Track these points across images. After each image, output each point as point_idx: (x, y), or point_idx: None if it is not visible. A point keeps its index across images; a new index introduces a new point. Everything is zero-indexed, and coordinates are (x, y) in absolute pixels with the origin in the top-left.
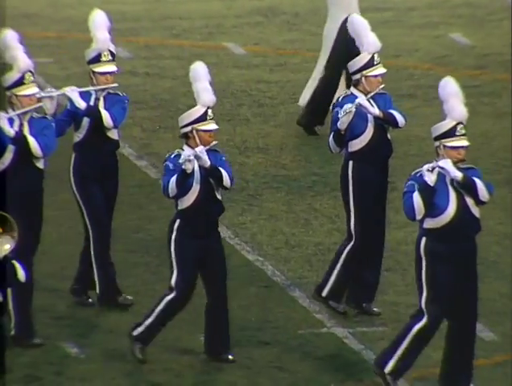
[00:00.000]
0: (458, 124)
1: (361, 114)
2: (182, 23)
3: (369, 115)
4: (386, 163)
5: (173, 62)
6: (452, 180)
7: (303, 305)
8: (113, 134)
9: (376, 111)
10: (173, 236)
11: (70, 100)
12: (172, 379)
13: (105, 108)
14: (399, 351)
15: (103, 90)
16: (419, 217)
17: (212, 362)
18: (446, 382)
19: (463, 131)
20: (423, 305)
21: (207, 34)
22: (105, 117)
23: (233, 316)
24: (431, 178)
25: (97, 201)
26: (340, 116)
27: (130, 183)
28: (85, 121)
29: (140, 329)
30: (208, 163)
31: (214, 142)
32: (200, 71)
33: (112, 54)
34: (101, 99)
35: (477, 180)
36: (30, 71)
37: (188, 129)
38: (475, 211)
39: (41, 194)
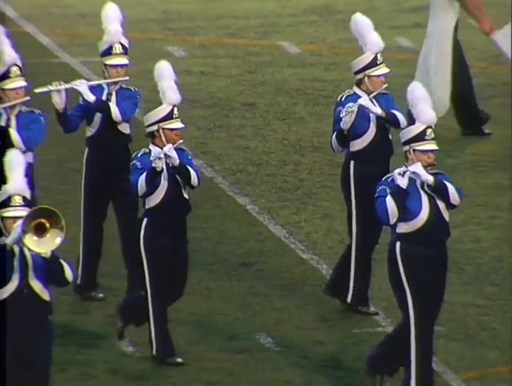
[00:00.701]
0: (427, 128)
1: (363, 114)
2: (237, 22)
3: (371, 115)
4: (387, 163)
5: (228, 61)
6: (423, 184)
7: None
8: (125, 129)
9: (378, 110)
10: (141, 235)
11: (81, 94)
12: (226, 378)
13: (116, 103)
14: (413, 370)
15: (115, 84)
16: (392, 221)
17: (268, 361)
18: None
19: (432, 135)
20: (410, 312)
21: (262, 33)
22: (114, 110)
23: (288, 315)
24: (403, 182)
25: (99, 207)
26: (342, 115)
27: None
28: (97, 115)
29: (154, 345)
30: (177, 161)
31: (180, 141)
32: (165, 70)
33: (123, 47)
34: (113, 93)
35: (448, 184)
36: (17, 65)
37: (154, 127)
38: (446, 215)
39: (30, 187)
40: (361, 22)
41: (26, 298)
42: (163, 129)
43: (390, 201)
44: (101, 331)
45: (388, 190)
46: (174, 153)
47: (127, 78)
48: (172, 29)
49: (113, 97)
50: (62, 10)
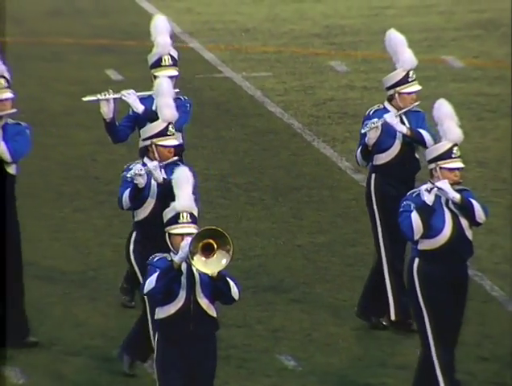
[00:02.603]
0: (454, 146)
1: (389, 130)
2: None
3: (397, 132)
4: (410, 181)
5: None
6: (448, 201)
7: None
8: (178, 138)
9: (403, 128)
10: (131, 249)
11: (130, 105)
12: None
13: None
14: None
15: None
16: (417, 237)
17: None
18: None
19: (458, 153)
20: (428, 331)
21: (426, 48)
22: None
23: None
24: (429, 198)
25: None
26: (364, 130)
27: (346, 197)
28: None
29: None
30: (160, 179)
31: (174, 158)
32: (163, 86)
33: (173, 58)
34: None
35: (474, 201)
36: (4, 77)
37: (148, 142)
38: (469, 233)
39: (12, 200)
40: (395, 39)
41: (193, 315)
42: (156, 145)
43: (415, 216)
44: (264, 345)
45: (413, 205)
46: (156, 171)
47: (177, 90)
48: (335, 43)
49: None
50: (226, 25)
